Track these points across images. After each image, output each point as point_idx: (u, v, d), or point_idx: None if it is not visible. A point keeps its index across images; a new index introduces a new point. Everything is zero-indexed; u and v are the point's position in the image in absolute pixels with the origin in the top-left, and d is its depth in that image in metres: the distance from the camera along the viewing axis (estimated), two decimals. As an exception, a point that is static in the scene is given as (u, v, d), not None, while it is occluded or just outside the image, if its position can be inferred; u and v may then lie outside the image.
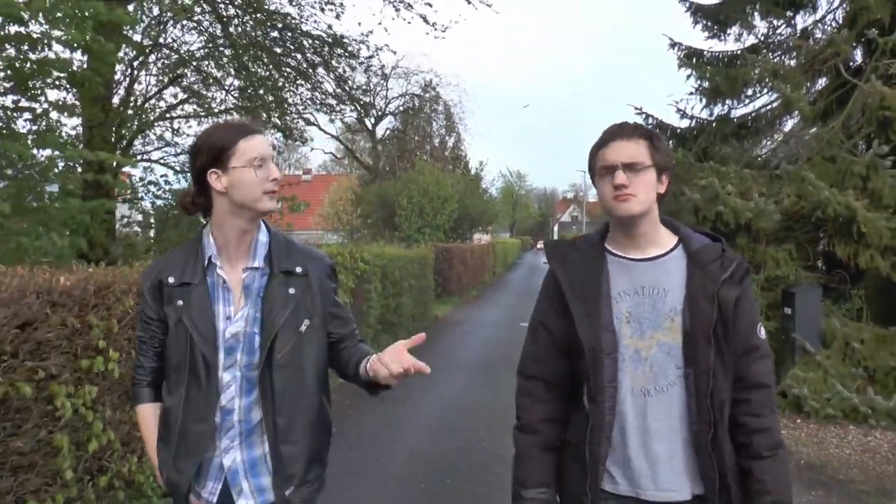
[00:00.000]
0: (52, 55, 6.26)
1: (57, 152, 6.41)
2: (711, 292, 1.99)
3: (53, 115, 6.84)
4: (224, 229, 2.12)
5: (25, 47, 5.61)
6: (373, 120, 33.93)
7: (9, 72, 5.70)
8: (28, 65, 5.72)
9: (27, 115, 6.96)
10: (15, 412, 3.53)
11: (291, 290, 2.13)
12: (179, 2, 9.09)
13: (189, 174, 2.21)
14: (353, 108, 14.03)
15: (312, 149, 13.51)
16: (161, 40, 10.29)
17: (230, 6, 9.90)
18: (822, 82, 9.95)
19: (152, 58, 10.52)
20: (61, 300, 3.86)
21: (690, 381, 2.00)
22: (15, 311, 3.51)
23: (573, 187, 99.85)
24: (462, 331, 14.70)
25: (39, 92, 6.17)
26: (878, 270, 7.71)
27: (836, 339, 7.76)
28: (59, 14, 5.31)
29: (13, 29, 5.63)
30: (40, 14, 5.31)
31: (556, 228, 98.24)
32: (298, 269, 2.15)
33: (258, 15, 9.97)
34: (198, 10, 9.57)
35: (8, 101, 6.76)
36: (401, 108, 35.86)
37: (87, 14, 5.46)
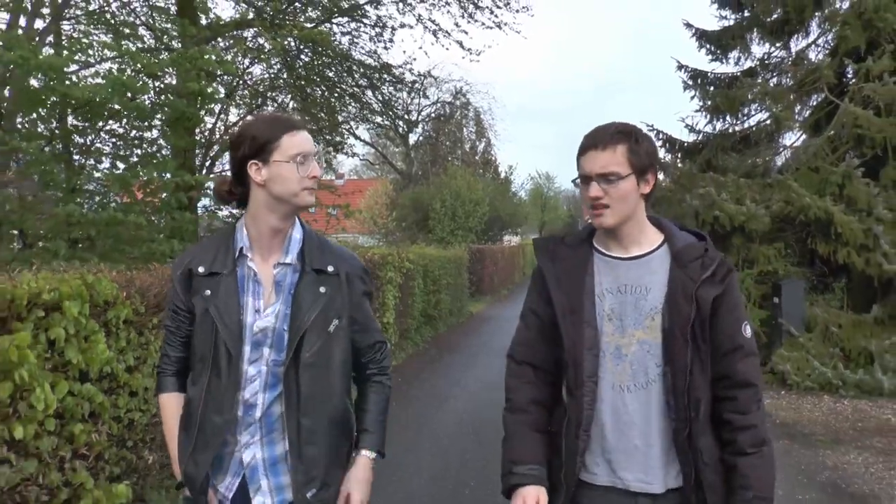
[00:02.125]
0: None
1: (166, 174, 7.93)
2: (690, 291, 2.01)
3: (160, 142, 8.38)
4: (258, 222, 2.12)
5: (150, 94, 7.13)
6: (405, 127, 35.34)
7: (134, 112, 7.20)
8: (151, 106, 7.24)
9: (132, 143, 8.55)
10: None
11: (322, 289, 2.13)
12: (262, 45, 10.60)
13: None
14: (395, 124, 15.48)
15: (351, 155, 14.74)
16: (242, 76, 11.75)
17: (292, 40, 11.33)
18: (816, 98, 11.24)
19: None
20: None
21: (668, 379, 2.04)
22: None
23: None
24: (495, 325, 16.10)
25: (159, 126, 7.68)
26: (855, 265, 9.00)
27: (818, 324, 9.06)
28: (183, 66, 6.82)
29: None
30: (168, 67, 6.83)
31: (581, 225, 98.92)
32: (330, 269, 2.15)
33: (320, 49, 11.35)
34: (268, 46, 11.02)
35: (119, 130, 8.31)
36: (432, 115, 37.26)
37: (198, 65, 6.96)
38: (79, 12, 7.88)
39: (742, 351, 2.03)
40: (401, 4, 12.61)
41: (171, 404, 2.22)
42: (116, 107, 7.16)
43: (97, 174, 7.63)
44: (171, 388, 2.23)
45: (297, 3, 11.12)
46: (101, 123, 7.33)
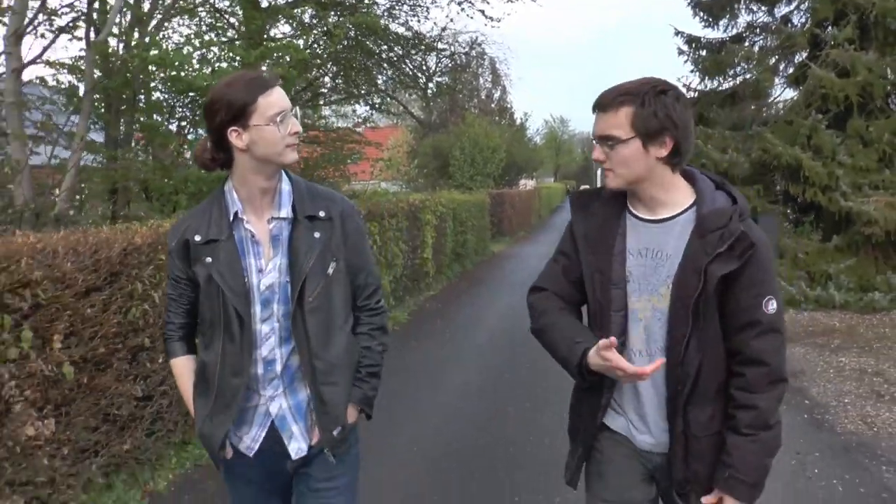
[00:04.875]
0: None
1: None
2: (701, 264, 1.94)
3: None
4: (247, 184, 2.12)
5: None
6: (424, 78, 36.59)
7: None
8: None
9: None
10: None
11: (317, 234, 2.15)
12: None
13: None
14: (418, 79, 17.24)
15: (385, 112, 16.53)
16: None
17: (336, 15, 12.91)
18: (798, 56, 12.84)
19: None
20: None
21: (668, 349, 2.02)
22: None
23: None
24: (516, 262, 18.00)
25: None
26: (820, 203, 10.78)
27: (789, 251, 10.88)
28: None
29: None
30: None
31: (599, 172, 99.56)
32: (322, 213, 2.17)
33: (363, 27, 12.91)
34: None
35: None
36: (449, 66, 38.38)
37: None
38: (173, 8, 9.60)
39: (759, 327, 1.95)
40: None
41: (183, 367, 2.31)
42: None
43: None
44: (181, 352, 2.32)
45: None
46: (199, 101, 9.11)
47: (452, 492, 4.53)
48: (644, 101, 1.95)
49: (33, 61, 7.53)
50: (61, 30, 7.76)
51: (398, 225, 10.61)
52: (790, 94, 12.88)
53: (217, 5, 11.41)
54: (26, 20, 7.33)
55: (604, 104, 2.01)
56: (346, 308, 2.24)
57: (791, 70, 12.82)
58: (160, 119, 8.75)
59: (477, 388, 6.78)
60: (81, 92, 8.07)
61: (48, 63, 7.67)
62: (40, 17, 7.69)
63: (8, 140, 7.60)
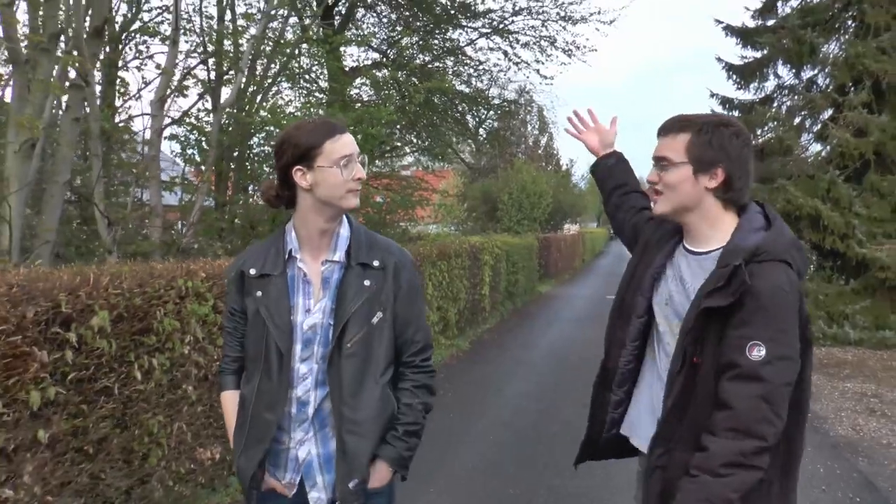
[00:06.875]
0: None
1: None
2: (699, 301, 1.93)
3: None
4: (307, 224, 2.16)
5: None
6: (475, 124, 38.31)
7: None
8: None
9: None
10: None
11: (367, 282, 2.15)
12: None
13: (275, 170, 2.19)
14: (476, 131, 18.95)
15: (449, 162, 18.40)
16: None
17: (413, 79, 14.61)
18: (824, 114, 14.11)
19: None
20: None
21: (667, 376, 2.02)
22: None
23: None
24: (562, 301, 19.34)
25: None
26: (838, 250, 12.00)
27: (809, 293, 12.09)
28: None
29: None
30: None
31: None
32: (376, 263, 2.17)
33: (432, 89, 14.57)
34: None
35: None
36: (499, 112, 39.96)
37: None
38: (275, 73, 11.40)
39: (735, 370, 1.86)
40: (490, 41, 16.02)
41: (230, 401, 2.32)
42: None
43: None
44: (231, 385, 2.34)
45: (411, 50, 14.50)
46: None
47: (529, 442, 5.92)
48: (702, 130, 2.01)
49: (172, 123, 9.25)
50: (199, 97, 9.50)
51: (462, 264, 12.03)
52: (817, 147, 14.19)
53: (309, 68, 13.19)
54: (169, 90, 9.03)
55: (665, 128, 2.09)
56: (386, 360, 2.21)
57: (817, 127, 14.11)
58: (259, 167, 10.39)
59: (534, 394, 8.16)
60: (201, 145, 9.77)
61: (185, 123, 9.37)
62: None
63: (146, 184, 9.27)
